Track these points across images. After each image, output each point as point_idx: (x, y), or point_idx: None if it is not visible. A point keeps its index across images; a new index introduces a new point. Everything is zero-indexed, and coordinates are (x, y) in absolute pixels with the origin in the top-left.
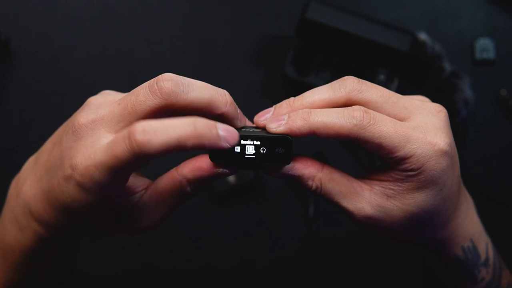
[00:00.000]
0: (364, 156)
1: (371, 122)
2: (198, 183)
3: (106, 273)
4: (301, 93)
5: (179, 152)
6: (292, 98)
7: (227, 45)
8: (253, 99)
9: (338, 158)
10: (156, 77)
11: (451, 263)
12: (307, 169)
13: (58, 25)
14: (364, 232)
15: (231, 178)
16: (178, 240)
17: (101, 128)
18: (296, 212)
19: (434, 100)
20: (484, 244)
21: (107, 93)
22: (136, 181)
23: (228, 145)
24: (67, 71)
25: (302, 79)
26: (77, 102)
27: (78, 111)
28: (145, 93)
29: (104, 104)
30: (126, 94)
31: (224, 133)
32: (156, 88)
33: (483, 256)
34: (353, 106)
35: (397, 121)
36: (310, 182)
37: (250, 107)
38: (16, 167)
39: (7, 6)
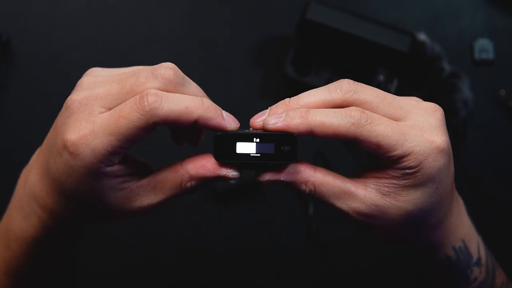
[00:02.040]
0: (364, 155)
1: (369, 121)
2: (199, 181)
3: (106, 269)
4: (301, 93)
5: (185, 124)
6: (288, 99)
7: (227, 45)
8: (253, 99)
9: (338, 157)
10: (159, 64)
11: (443, 263)
12: (298, 174)
13: (58, 25)
14: (362, 232)
15: None
16: (178, 238)
17: (95, 103)
18: (296, 211)
19: (433, 100)
20: (475, 244)
21: (94, 73)
22: (136, 164)
23: (231, 126)
24: (67, 71)
25: (302, 79)
26: None
27: (71, 93)
28: (147, 76)
29: (98, 84)
30: (123, 73)
31: (227, 117)
32: (159, 73)
33: (475, 256)
34: (350, 107)
35: (393, 120)
36: (303, 187)
37: (250, 107)
38: (16, 167)
39: (7, 6)
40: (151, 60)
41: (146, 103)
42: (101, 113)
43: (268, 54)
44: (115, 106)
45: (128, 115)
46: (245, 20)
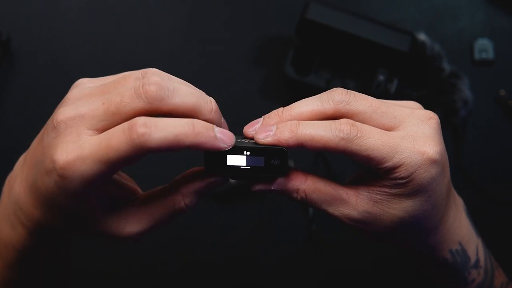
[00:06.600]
0: None
1: (358, 135)
2: (192, 197)
3: (105, 270)
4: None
5: (177, 150)
6: (281, 109)
7: (227, 45)
8: (253, 99)
9: (338, 159)
10: (142, 79)
11: (440, 266)
12: (289, 183)
13: (58, 25)
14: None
15: None
16: (177, 239)
17: (81, 125)
18: (296, 212)
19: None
20: (474, 246)
21: (81, 86)
22: (124, 186)
23: (225, 146)
24: (67, 71)
25: (302, 79)
26: None
27: (57, 107)
28: (131, 95)
29: (83, 100)
30: (107, 86)
31: (220, 135)
32: (142, 91)
33: (473, 258)
34: (340, 119)
35: (385, 131)
36: (294, 195)
37: (250, 107)
38: None
39: (7, 6)
40: (151, 60)
41: (135, 136)
42: (89, 135)
43: (268, 54)
44: (102, 127)
45: (117, 146)
46: (245, 20)
